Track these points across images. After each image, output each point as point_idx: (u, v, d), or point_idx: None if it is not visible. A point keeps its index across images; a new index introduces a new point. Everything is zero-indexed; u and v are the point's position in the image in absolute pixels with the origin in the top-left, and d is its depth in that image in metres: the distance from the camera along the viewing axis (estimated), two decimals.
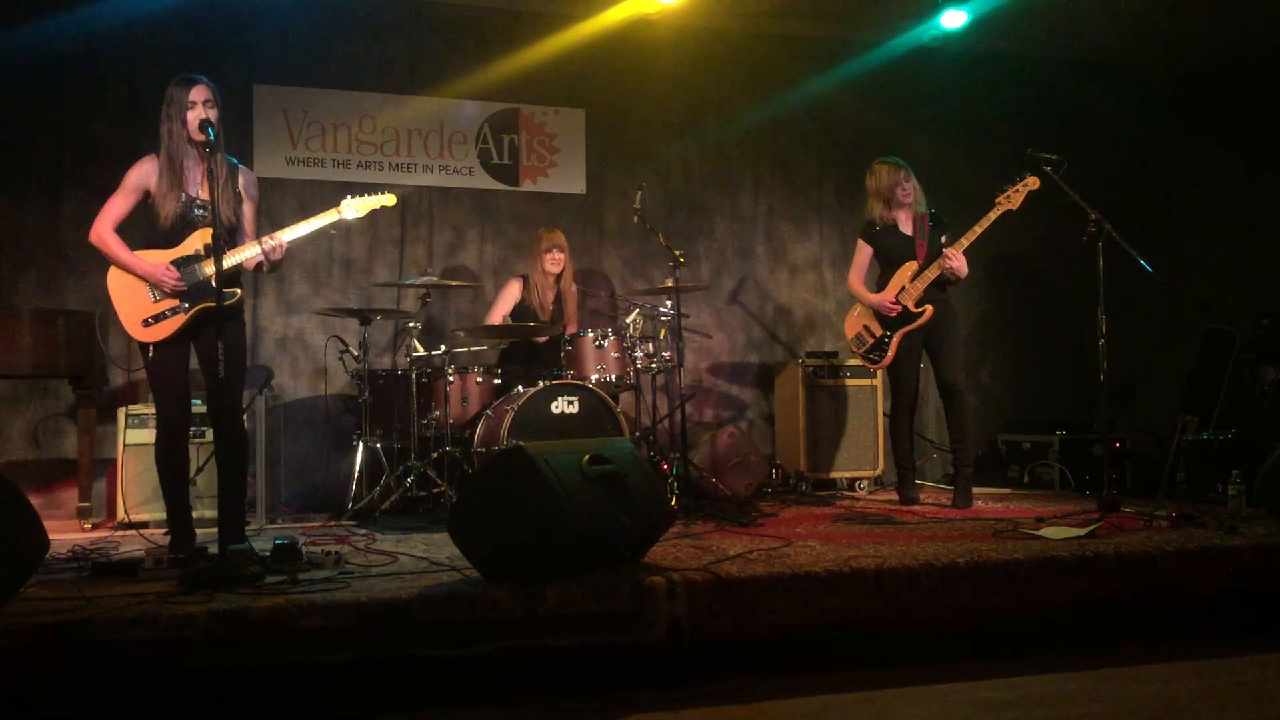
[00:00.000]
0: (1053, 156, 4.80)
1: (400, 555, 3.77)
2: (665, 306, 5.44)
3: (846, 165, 7.03)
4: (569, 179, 6.54)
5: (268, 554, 3.49)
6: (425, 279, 5.39)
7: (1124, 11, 6.45)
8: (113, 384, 5.45)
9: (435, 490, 5.18)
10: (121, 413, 5.03)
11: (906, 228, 5.19)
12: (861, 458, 6.29)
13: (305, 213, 4.08)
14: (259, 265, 3.85)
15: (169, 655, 2.73)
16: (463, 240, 6.33)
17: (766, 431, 6.71)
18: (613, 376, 5.25)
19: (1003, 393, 7.24)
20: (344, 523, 4.94)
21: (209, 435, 4.67)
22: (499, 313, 5.69)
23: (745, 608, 3.17)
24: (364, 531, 4.58)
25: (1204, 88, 7.27)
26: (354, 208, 4.11)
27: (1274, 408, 5.96)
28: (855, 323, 5.31)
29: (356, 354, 5.26)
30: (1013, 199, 4.92)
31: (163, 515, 4.07)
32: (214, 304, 3.46)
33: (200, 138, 3.66)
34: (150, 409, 4.82)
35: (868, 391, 6.34)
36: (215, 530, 3.60)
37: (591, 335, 5.30)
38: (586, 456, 3.28)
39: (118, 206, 3.79)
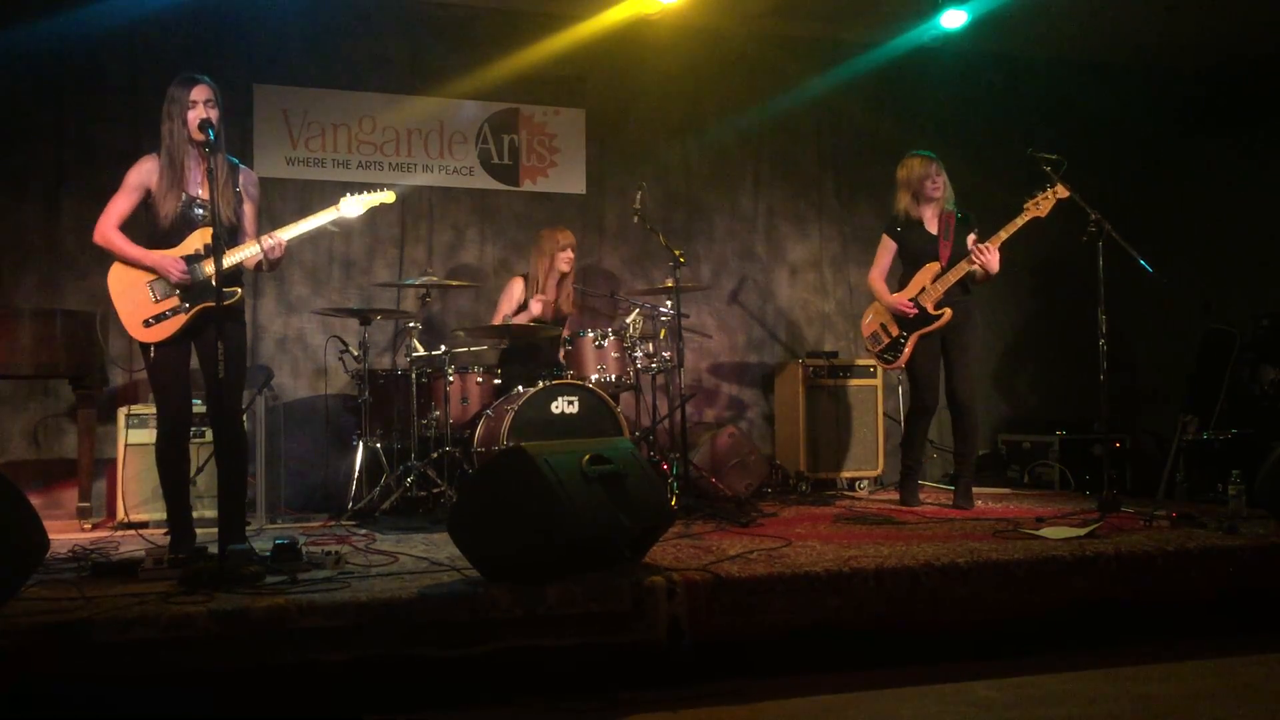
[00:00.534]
0: (1053, 156, 4.80)
1: (400, 555, 3.77)
2: (665, 306, 5.44)
3: (846, 165, 7.04)
4: (569, 179, 6.54)
5: (268, 554, 3.49)
6: (425, 279, 5.40)
7: (1123, 11, 6.45)
8: (113, 384, 5.45)
9: (435, 490, 5.18)
10: (121, 413, 5.03)
11: (932, 226, 5.09)
12: (861, 458, 6.29)
13: (305, 213, 4.08)
14: (259, 265, 3.86)
15: (169, 655, 2.73)
16: (463, 240, 6.33)
17: (766, 431, 6.71)
18: (613, 376, 5.25)
19: (1003, 393, 7.24)
20: (344, 523, 4.94)
21: (209, 435, 4.67)
22: (504, 313, 5.68)
23: (745, 608, 3.17)
24: (364, 531, 4.58)
25: (1204, 87, 7.28)
26: (353, 205, 4.11)
27: (1274, 408, 5.97)
28: (872, 321, 5.24)
29: (356, 354, 5.26)
30: (1041, 206, 4.80)
31: (163, 515, 4.07)
32: (214, 303, 3.46)
33: (201, 137, 3.66)
34: (150, 409, 4.82)
35: (868, 391, 6.34)
36: (215, 530, 3.61)
37: (591, 335, 5.30)
38: (586, 456, 3.28)
39: (120, 206, 3.79)
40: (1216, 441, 5.90)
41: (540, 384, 4.92)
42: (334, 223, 4.04)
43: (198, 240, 3.77)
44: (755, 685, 3.06)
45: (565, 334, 5.56)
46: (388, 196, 4.23)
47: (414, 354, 5.33)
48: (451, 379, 5.19)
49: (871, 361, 5.26)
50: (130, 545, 4.19)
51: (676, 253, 5.16)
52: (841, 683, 3.08)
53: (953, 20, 6.36)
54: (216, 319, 3.43)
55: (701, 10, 6.40)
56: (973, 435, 5.10)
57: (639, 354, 5.40)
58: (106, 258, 3.81)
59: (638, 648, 3.07)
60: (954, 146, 6.83)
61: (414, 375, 5.23)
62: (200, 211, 3.78)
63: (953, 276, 4.97)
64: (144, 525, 4.78)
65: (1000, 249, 4.90)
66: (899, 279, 5.20)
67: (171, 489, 3.83)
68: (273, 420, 5.19)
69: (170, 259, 3.73)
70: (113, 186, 3.82)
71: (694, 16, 6.49)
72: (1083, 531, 3.94)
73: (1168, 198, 7.10)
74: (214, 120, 3.68)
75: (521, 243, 6.27)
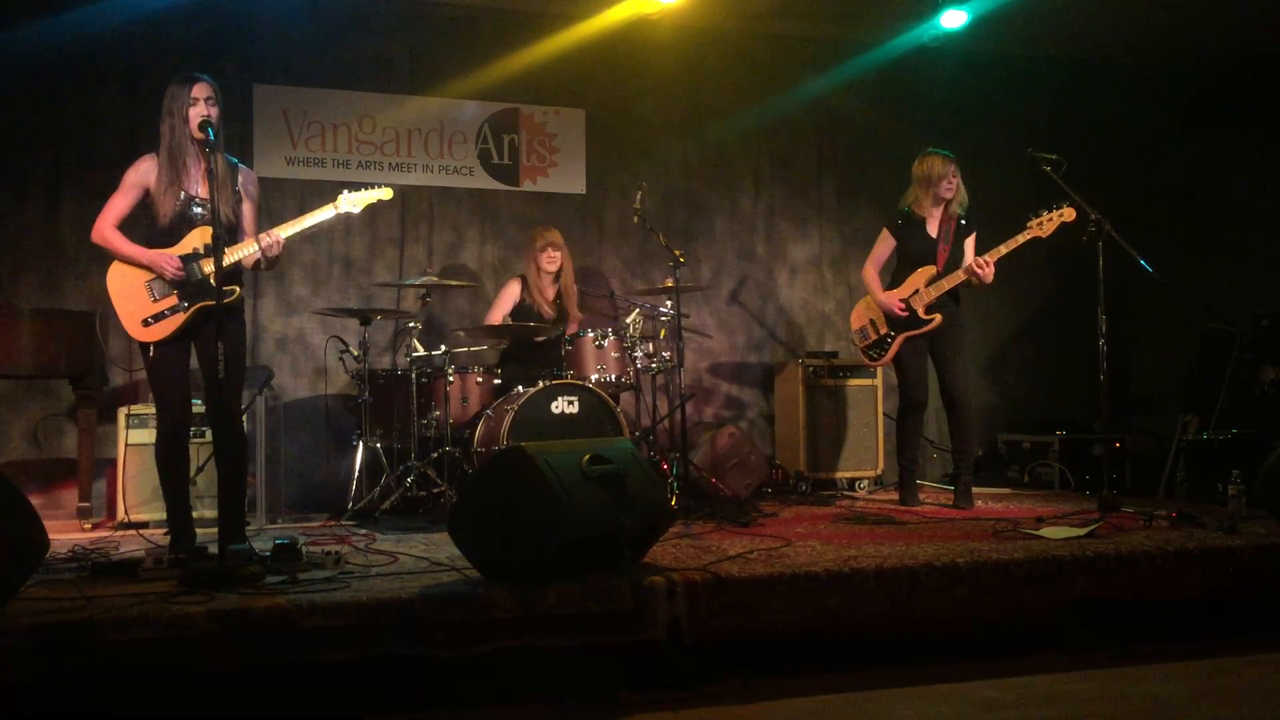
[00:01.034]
0: (1053, 156, 4.79)
1: (400, 555, 3.77)
2: (665, 306, 5.44)
3: (846, 165, 7.04)
4: (569, 179, 6.54)
5: (268, 554, 3.49)
6: (425, 279, 5.39)
7: (1124, 11, 6.45)
8: (113, 384, 5.45)
9: (435, 490, 5.18)
10: (121, 413, 5.03)
11: (933, 228, 5.08)
12: (861, 458, 6.29)
13: (305, 212, 4.07)
14: (257, 263, 3.86)
15: (169, 655, 2.73)
16: (463, 240, 6.33)
17: (766, 431, 6.71)
18: (613, 376, 5.25)
19: (1003, 393, 7.24)
20: (344, 523, 4.94)
21: (209, 435, 4.67)
22: (499, 313, 5.68)
23: (745, 608, 3.17)
24: (364, 531, 4.58)
25: (1204, 87, 7.27)
26: (351, 202, 4.12)
27: (1274, 408, 5.97)
28: (862, 315, 5.25)
29: (356, 354, 5.26)
30: (1045, 227, 4.80)
31: (163, 515, 4.07)
32: (213, 302, 3.47)
33: (201, 136, 3.66)
34: (150, 409, 4.82)
35: (868, 391, 6.34)
36: (215, 530, 3.60)
37: (591, 335, 5.30)
38: (586, 456, 3.28)
39: (118, 205, 3.79)
40: (1216, 441, 5.90)
41: (540, 384, 4.92)
42: (332, 219, 4.05)
43: (196, 239, 3.77)
44: (755, 685, 3.06)
45: (567, 333, 5.56)
46: (385, 193, 4.24)
47: (414, 354, 5.33)
48: (451, 379, 5.19)
49: (861, 356, 5.27)
50: (130, 545, 4.19)
51: (676, 253, 5.16)
52: (841, 683, 3.08)
53: (953, 20, 6.37)
54: (216, 318, 3.44)
55: (701, 10, 6.40)
56: (969, 431, 5.11)
57: (639, 354, 5.40)
58: (106, 258, 3.81)
59: (638, 648, 3.07)
60: (954, 146, 6.78)
61: (414, 375, 5.22)
62: (199, 210, 3.79)
63: (947, 284, 4.97)
64: (144, 525, 4.79)
65: (996, 262, 4.91)
66: (892, 275, 5.20)
67: (171, 489, 3.83)
68: (273, 420, 5.19)
69: (165, 256, 3.73)
70: (112, 186, 3.82)
71: (694, 16, 6.49)
72: (1083, 531, 3.94)
73: (1168, 198, 7.10)
74: (214, 119, 3.68)
75: (521, 243, 6.26)
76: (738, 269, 6.84)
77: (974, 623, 3.38)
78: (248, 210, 3.92)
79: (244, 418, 4.12)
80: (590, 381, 5.12)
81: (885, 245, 5.22)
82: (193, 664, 2.75)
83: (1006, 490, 6.11)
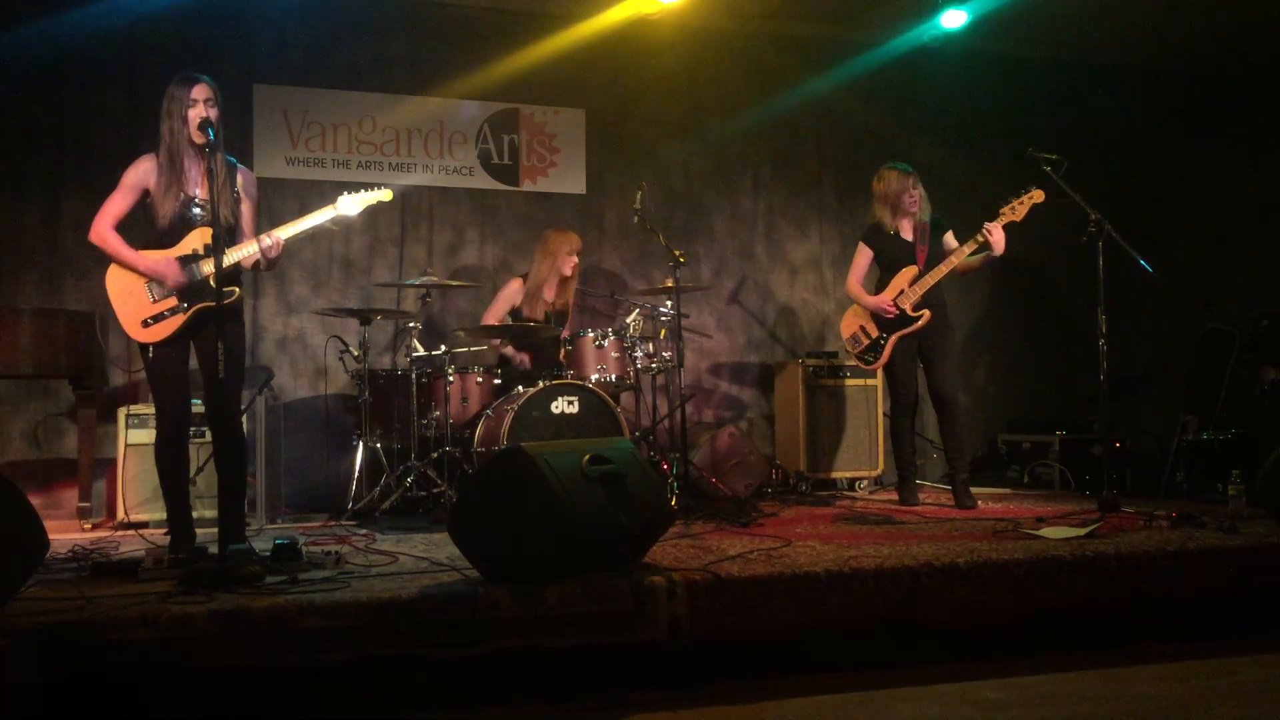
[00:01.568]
0: (1052, 156, 4.79)
1: (400, 555, 3.77)
2: (665, 306, 5.44)
3: (846, 165, 7.04)
4: (569, 179, 6.54)
5: (268, 554, 3.48)
6: (425, 279, 5.39)
7: (1123, 11, 6.45)
8: (113, 384, 5.46)
9: (435, 490, 5.18)
10: (121, 413, 5.03)
11: (908, 233, 5.17)
12: (861, 458, 6.29)
13: (305, 213, 4.07)
14: (256, 264, 3.85)
15: (169, 655, 2.73)
16: (463, 240, 6.33)
17: (766, 431, 6.71)
18: (613, 376, 5.25)
19: (1003, 393, 7.24)
20: (344, 523, 4.93)
21: (209, 435, 4.66)
22: (496, 312, 5.68)
23: (745, 608, 3.17)
24: (364, 531, 4.58)
25: (1205, 87, 7.28)
26: (350, 203, 4.11)
27: (1274, 408, 5.97)
28: (852, 322, 5.31)
29: (356, 354, 5.26)
30: (1017, 210, 4.86)
31: (163, 515, 4.07)
32: (213, 303, 3.46)
33: (200, 137, 3.66)
34: (150, 409, 4.82)
35: (868, 392, 6.34)
36: (215, 530, 3.61)
37: (591, 335, 5.30)
38: (586, 456, 3.28)
39: (117, 206, 3.78)
40: (1216, 441, 5.89)
41: (540, 384, 4.92)
42: (333, 221, 4.04)
43: (196, 240, 3.76)
44: (755, 685, 3.06)
45: (565, 334, 5.56)
46: (385, 195, 4.23)
47: (414, 354, 5.33)
48: (451, 379, 5.19)
49: (858, 362, 5.30)
50: (130, 545, 4.19)
51: (676, 253, 5.17)
52: (841, 683, 3.08)
53: (953, 20, 6.37)
54: (215, 319, 3.43)
55: (701, 10, 6.40)
56: (960, 429, 5.15)
57: (639, 354, 5.40)
58: (106, 257, 3.80)
59: (638, 648, 3.06)
60: (954, 146, 6.88)
61: (414, 375, 5.22)
62: (198, 211, 3.78)
63: (930, 279, 5.02)
64: (144, 525, 4.79)
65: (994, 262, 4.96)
66: (875, 284, 5.27)
67: (171, 489, 3.83)
68: (273, 420, 5.19)
69: (165, 264, 3.71)
70: (113, 187, 3.81)
71: (694, 16, 6.50)
72: (1083, 531, 3.94)
73: (1168, 198, 7.10)
74: (214, 120, 3.68)
75: (521, 243, 6.28)
76: (738, 269, 6.84)
77: (974, 623, 3.38)
78: (247, 211, 3.92)
79: (244, 418, 4.12)
80: (590, 381, 5.12)
81: (863, 257, 5.31)
82: (193, 664, 2.75)
83: (1006, 490, 6.11)
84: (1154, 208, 6.83)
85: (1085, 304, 4.73)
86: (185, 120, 3.70)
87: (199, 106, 3.69)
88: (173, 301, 3.74)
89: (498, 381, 5.40)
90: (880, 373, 6.23)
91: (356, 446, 5.31)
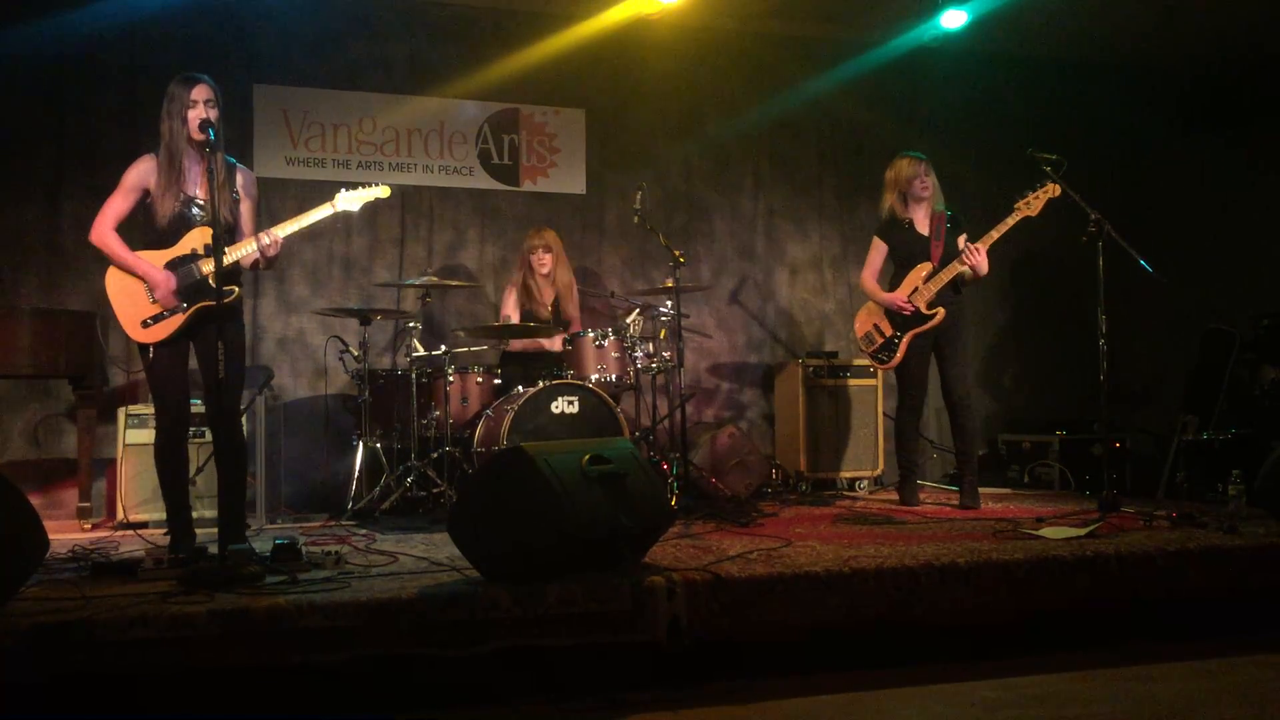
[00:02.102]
0: (1053, 156, 4.80)
1: (400, 555, 3.77)
2: (665, 306, 5.44)
3: (846, 165, 7.04)
4: (569, 179, 6.54)
5: (268, 554, 3.49)
6: (425, 279, 5.39)
7: (1124, 11, 6.45)
8: (113, 384, 5.45)
9: (435, 490, 5.18)
10: (121, 413, 5.03)
11: (923, 227, 5.11)
12: (861, 458, 6.29)
13: (305, 211, 4.08)
14: (255, 263, 3.86)
15: (169, 655, 2.73)
16: (463, 240, 6.33)
17: (766, 431, 6.71)
18: (613, 376, 5.25)
19: (1002, 392, 7.24)
20: (344, 523, 4.94)
21: (209, 435, 4.67)
22: (505, 316, 5.69)
23: (745, 607, 3.17)
24: (364, 531, 4.58)
25: (1204, 87, 7.27)
26: (348, 200, 4.12)
27: (1274, 408, 5.97)
28: (865, 321, 5.27)
29: (356, 354, 5.26)
30: (1032, 205, 4.84)
31: (163, 515, 4.07)
32: (213, 302, 3.46)
33: (200, 137, 3.66)
34: (150, 409, 4.81)
35: (868, 391, 6.34)
36: (215, 530, 3.61)
37: (591, 335, 5.30)
38: (586, 456, 3.28)
39: (117, 206, 3.79)
40: (1216, 441, 5.89)
41: (540, 384, 4.92)
42: (330, 218, 4.05)
43: (195, 240, 3.77)
44: (755, 685, 3.06)
45: (571, 332, 5.56)
46: (383, 191, 4.24)
47: (414, 354, 5.33)
48: (451, 379, 5.19)
49: (871, 361, 5.29)
50: (130, 545, 4.19)
51: (676, 253, 5.17)
52: (841, 683, 3.08)
53: (953, 20, 6.37)
54: (215, 319, 3.43)
55: (701, 10, 6.40)
56: (972, 430, 5.13)
57: (639, 354, 5.40)
58: (105, 258, 3.80)
59: (638, 648, 3.06)
60: (954, 146, 6.86)
61: (414, 375, 5.23)
62: (198, 211, 3.78)
63: (945, 276, 4.99)
64: (144, 525, 4.79)
65: (992, 249, 4.92)
66: (890, 280, 5.22)
67: (171, 489, 3.84)
68: (273, 420, 5.19)
69: (159, 274, 3.71)
70: (113, 187, 3.81)
71: (694, 16, 6.50)
72: (1083, 531, 3.94)
73: (1167, 198, 7.10)
74: (214, 120, 3.68)
75: (521, 243, 6.27)
76: (738, 269, 6.84)
77: (974, 623, 3.38)
78: (246, 210, 3.92)
79: (244, 418, 4.12)
80: (590, 381, 5.11)
81: (878, 253, 5.27)
82: (193, 664, 2.74)
83: (1006, 490, 6.12)
84: (1154, 208, 6.83)
85: (1085, 304, 4.73)
86: (185, 120, 3.71)
87: (199, 107, 3.70)
88: (172, 301, 3.74)
89: (498, 381, 5.40)
90: (881, 371, 6.27)
91: (356, 446, 5.31)
